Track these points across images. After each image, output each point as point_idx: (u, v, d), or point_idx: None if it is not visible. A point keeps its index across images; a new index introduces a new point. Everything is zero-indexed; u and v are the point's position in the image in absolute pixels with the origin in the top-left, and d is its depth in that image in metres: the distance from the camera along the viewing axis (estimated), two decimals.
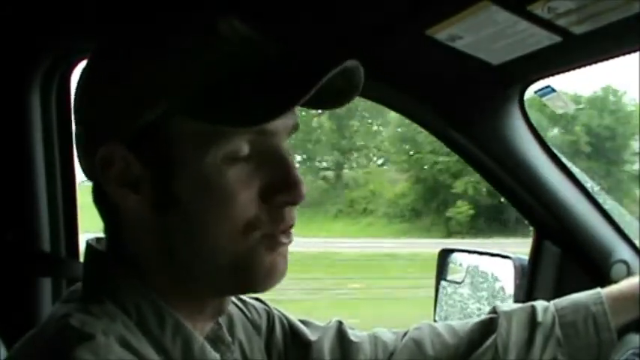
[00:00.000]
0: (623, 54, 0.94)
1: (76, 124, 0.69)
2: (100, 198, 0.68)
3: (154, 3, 0.71)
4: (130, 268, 0.66)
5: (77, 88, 0.68)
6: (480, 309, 1.39)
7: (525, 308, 0.99)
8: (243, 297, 0.89)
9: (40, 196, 1.13)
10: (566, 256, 1.24)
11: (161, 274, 0.66)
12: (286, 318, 0.92)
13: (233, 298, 0.84)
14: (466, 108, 1.14)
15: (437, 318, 1.47)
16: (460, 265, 1.49)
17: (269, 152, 0.65)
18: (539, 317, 0.97)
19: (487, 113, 1.14)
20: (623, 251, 1.20)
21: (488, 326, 0.97)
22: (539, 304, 0.99)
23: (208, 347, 0.68)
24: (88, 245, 0.70)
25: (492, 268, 1.42)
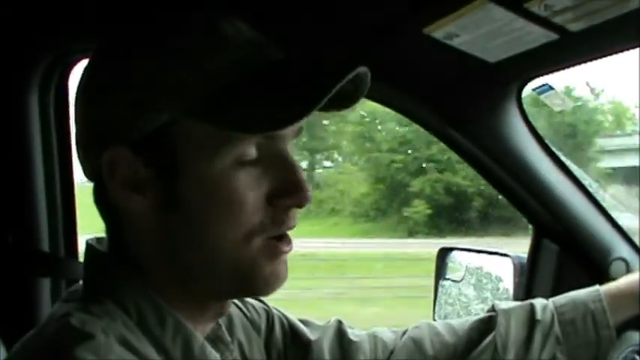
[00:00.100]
0: (620, 51, 0.94)
1: (76, 124, 0.68)
2: (101, 199, 0.68)
3: (154, 3, 0.71)
4: (131, 269, 0.66)
5: (78, 89, 0.68)
6: (479, 307, 1.40)
7: (524, 306, 0.99)
8: None
9: (38, 196, 1.12)
10: (564, 254, 1.24)
11: (163, 275, 0.66)
12: (286, 317, 0.92)
13: None
14: (464, 106, 1.14)
15: (436, 317, 1.47)
16: (459, 263, 1.50)
17: (276, 155, 0.65)
18: (538, 315, 0.97)
19: (485, 111, 1.14)
20: (621, 249, 1.20)
21: (487, 324, 0.97)
22: (538, 302, 0.99)
23: (209, 347, 0.68)
24: (88, 245, 0.70)
25: (491, 267, 1.42)
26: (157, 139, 0.62)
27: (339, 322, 0.96)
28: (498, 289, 1.38)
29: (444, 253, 1.51)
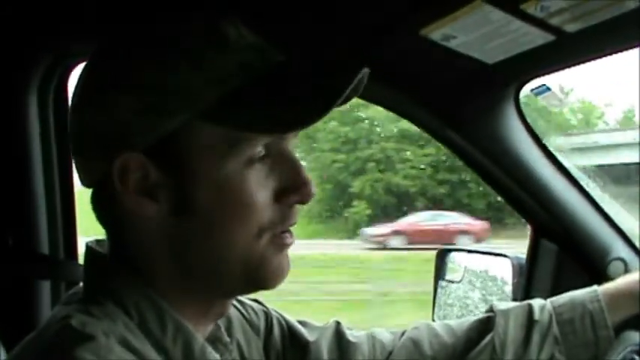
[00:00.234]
0: (617, 51, 0.95)
1: (72, 128, 0.67)
2: (104, 204, 0.67)
3: (154, 3, 0.71)
4: (132, 271, 0.66)
5: (75, 91, 0.67)
6: (478, 308, 1.40)
7: (522, 306, 0.99)
8: (242, 298, 0.89)
9: (38, 198, 1.12)
10: (563, 254, 1.24)
11: (165, 277, 0.66)
12: (284, 319, 0.92)
13: None
14: (462, 107, 1.14)
15: (435, 318, 1.47)
16: (459, 264, 1.50)
17: (281, 154, 0.67)
18: (537, 315, 0.97)
19: (483, 112, 1.15)
20: (620, 249, 1.20)
21: (485, 325, 0.97)
22: (537, 303, 0.99)
23: (209, 348, 0.68)
24: (88, 247, 0.70)
25: (490, 267, 1.42)
26: (169, 144, 0.63)
27: (338, 323, 0.96)
28: (497, 290, 1.39)
29: (443, 254, 1.51)
